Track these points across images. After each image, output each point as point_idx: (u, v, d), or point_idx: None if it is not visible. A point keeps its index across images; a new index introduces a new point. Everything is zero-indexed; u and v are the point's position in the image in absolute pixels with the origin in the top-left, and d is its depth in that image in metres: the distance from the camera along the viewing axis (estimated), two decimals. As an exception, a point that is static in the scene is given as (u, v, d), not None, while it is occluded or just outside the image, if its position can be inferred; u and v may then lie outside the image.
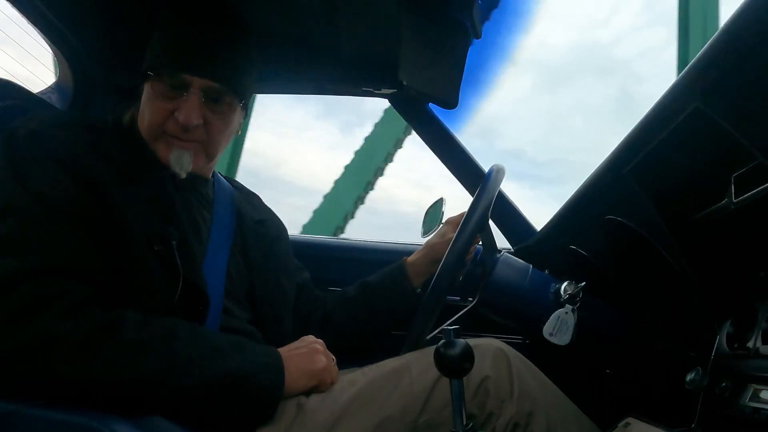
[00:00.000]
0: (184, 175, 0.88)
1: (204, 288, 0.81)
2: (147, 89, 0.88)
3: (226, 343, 0.76)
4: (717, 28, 0.53)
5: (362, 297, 1.12)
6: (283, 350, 0.82)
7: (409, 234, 1.46)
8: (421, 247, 1.19)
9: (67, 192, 0.73)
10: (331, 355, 0.86)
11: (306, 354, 0.82)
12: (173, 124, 0.86)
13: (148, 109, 0.87)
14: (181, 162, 0.87)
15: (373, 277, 1.15)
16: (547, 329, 0.91)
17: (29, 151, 0.74)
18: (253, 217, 1.04)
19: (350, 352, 1.14)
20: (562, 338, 0.91)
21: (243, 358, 0.74)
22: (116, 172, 0.79)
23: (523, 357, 0.84)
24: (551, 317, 0.91)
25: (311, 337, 0.87)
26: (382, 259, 1.38)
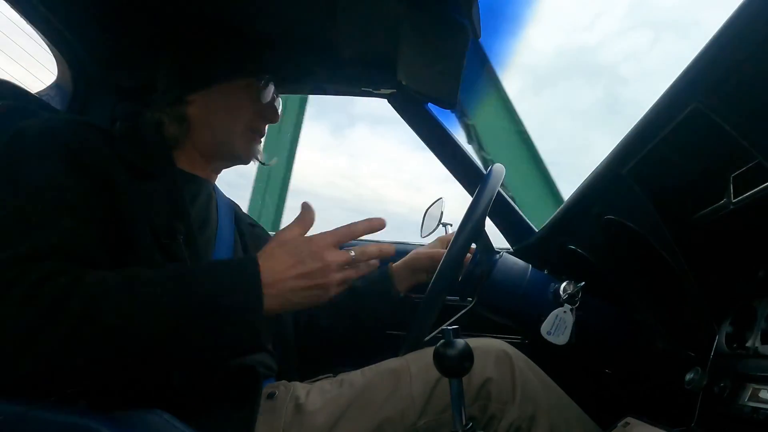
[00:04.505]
0: (248, 163, 1.02)
1: None
2: (226, 92, 0.95)
3: (195, 270, 0.69)
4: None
5: (348, 300, 1.11)
6: (276, 266, 0.69)
7: (400, 234, 1.48)
8: (421, 246, 1.20)
9: (69, 184, 0.70)
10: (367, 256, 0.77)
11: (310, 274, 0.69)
12: (258, 122, 0.99)
13: (234, 110, 0.96)
14: (257, 153, 1.02)
15: (359, 281, 1.13)
16: (544, 328, 0.90)
17: (37, 145, 0.72)
18: (246, 221, 1.09)
19: (337, 354, 1.15)
20: (560, 337, 0.90)
21: (211, 282, 0.65)
22: (127, 167, 0.78)
23: (527, 358, 0.83)
24: (549, 315, 0.91)
25: (322, 242, 0.72)
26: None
